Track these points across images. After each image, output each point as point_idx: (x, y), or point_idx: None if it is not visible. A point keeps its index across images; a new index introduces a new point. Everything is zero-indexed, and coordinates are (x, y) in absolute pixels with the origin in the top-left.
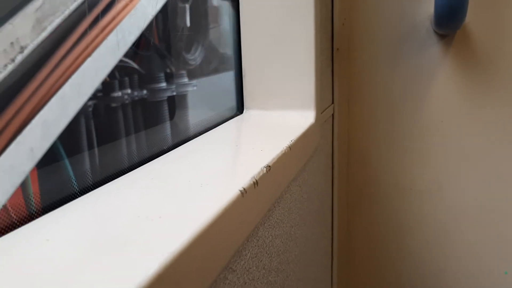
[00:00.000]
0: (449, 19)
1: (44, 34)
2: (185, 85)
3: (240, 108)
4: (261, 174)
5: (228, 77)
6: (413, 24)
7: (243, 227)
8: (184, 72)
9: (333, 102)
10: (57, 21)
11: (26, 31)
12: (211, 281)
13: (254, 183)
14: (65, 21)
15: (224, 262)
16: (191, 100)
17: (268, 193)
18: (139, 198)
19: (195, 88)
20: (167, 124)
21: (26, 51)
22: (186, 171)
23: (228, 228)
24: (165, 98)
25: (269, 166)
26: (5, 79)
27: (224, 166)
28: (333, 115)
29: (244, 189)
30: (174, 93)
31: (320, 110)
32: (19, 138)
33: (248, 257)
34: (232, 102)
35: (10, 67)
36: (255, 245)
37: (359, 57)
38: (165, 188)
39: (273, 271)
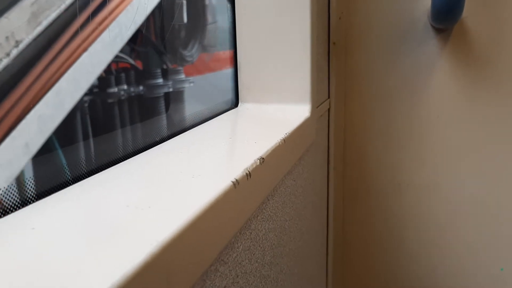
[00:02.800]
0: (447, 13)
1: (40, 28)
2: (181, 81)
3: (235, 102)
4: (254, 166)
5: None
6: (410, 19)
7: (235, 219)
8: (181, 68)
9: (329, 97)
10: (53, 15)
11: (21, 25)
12: (201, 272)
13: (247, 174)
14: (61, 15)
15: (215, 253)
16: (187, 97)
17: (261, 185)
18: (129, 188)
19: (191, 84)
20: (163, 120)
21: (22, 46)
22: (178, 162)
23: (220, 219)
24: (162, 94)
25: (263, 158)
26: (0, 73)
27: (217, 157)
28: (329, 109)
29: (236, 180)
30: (171, 89)
31: (315, 104)
32: (14, 133)
33: (240, 249)
34: (228, 96)
35: (5, 62)
36: (248, 238)
37: (356, 51)
38: (156, 179)
39: (267, 265)
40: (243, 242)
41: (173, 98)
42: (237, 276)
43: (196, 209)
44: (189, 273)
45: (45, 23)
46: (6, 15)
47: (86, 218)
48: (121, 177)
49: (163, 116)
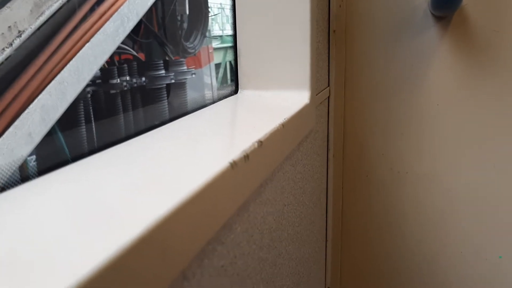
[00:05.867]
0: (446, 1)
1: (42, 18)
2: (183, 72)
3: (234, 89)
4: (252, 148)
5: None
6: (410, 6)
7: (233, 200)
8: (183, 60)
9: (329, 85)
10: (55, 6)
11: (24, 15)
12: (198, 250)
13: (245, 156)
14: (63, 6)
15: (212, 232)
16: (189, 89)
17: (259, 168)
18: (129, 168)
19: (193, 76)
20: (164, 111)
21: (24, 36)
22: (177, 144)
23: (217, 199)
24: (164, 85)
25: (261, 142)
26: (3, 63)
27: (215, 140)
28: (329, 97)
29: (234, 161)
30: (173, 81)
31: (315, 92)
32: (17, 123)
33: (238, 231)
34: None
35: (8, 51)
36: (246, 220)
37: (356, 39)
38: (154, 159)
39: (265, 248)
40: (241, 224)
41: (175, 89)
42: (235, 257)
43: (193, 187)
44: (185, 250)
45: (47, 13)
46: (8, 5)
47: (85, 195)
48: (121, 158)
49: (165, 107)
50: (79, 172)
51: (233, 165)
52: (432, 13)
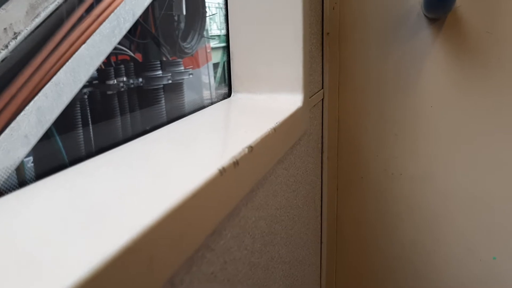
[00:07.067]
0: (439, 2)
1: (38, 20)
2: (181, 73)
3: (228, 92)
4: (242, 154)
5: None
6: (404, 8)
7: (222, 206)
8: (180, 60)
9: (323, 87)
10: (51, 7)
11: (19, 17)
12: (185, 257)
13: (234, 162)
14: (59, 7)
15: (201, 239)
16: (187, 89)
17: (250, 173)
18: (117, 175)
19: (190, 76)
20: (161, 111)
21: (20, 38)
22: (166, 151)
23: (205, 206)
24: (161, 86)
25: (251, 147)
26: None
27: (205, 146)
28: (323, 100)
29: (223, 168)
30: (170, 81)
31: (308, 95)
32: (13, 124)
33: (228, 236)
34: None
35: (4, 53)
36: (237, 225)
37: (350, 42)
38: (143, 166)
39: (257, 252)
40: (232, 230)
41: (172, 90)
42: (225, 263)
43: (180, 196)
44: (172, 259)
45: (43, 14)
46: (4, 6)
47: (72, 203)
48: (109, 164)
49: (162, 108)
50: (69, 179)
51: (222, 171)
52: (425, 15)
